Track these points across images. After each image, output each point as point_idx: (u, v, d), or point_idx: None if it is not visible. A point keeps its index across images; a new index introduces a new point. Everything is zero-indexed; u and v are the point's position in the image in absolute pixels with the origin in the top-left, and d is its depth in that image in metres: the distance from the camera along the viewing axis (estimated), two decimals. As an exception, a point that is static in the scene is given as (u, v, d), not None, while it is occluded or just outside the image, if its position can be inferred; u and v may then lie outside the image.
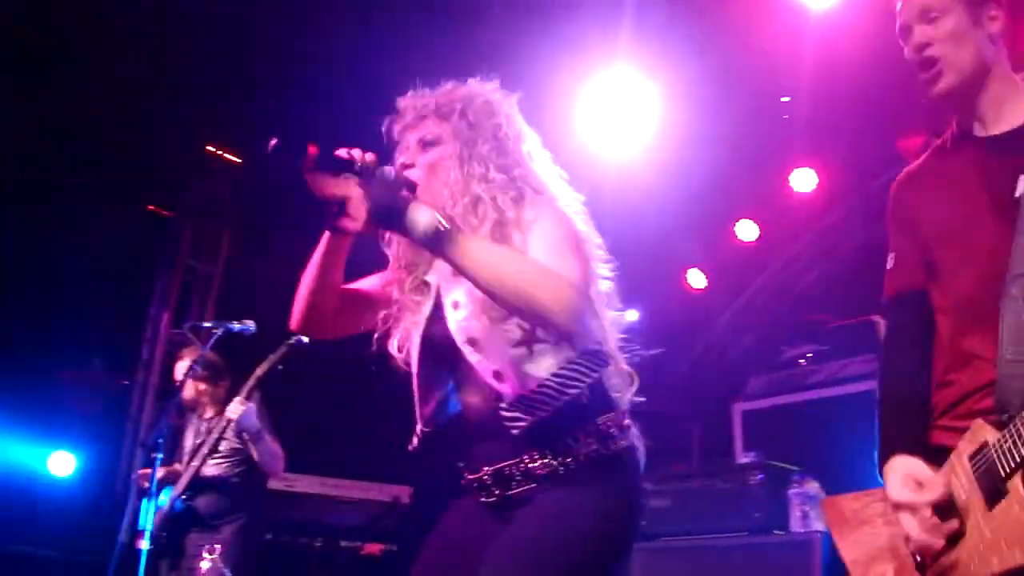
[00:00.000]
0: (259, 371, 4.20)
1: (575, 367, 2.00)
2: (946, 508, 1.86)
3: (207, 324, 3.89)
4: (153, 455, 3.53)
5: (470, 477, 2.09)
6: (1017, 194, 1.87)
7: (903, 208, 2.12)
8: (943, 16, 1.97)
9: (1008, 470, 1.74)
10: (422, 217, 1.88)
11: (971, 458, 1.83)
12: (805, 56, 5.51)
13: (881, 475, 1.98)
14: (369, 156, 2.01)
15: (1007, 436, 1.75)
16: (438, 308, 2.12)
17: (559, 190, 2.20)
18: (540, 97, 2.40)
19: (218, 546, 4.01)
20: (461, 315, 2.03)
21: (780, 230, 6.71)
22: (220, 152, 7.06)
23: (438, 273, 2.15)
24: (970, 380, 1.89)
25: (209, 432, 4.32)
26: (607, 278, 2.17)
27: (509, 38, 5.36)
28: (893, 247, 2.13)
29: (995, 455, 1.77)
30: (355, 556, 6.24)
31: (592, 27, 5.46)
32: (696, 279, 7.13)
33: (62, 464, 6.06)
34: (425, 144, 2.16)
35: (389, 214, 1.92)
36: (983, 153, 1.98)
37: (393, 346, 2.18)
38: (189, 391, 4.45)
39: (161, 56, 5.82)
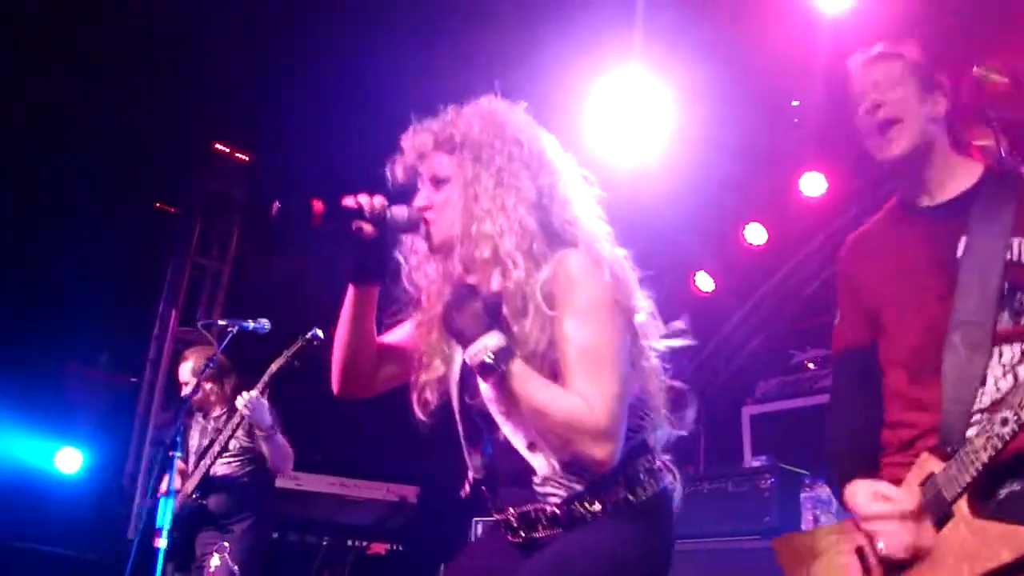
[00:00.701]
0: (274, 366, 4.18)
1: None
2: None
3: (222, 322, 3.85)
4: (171, 453, 3.51)
5: (497, 516, 2.06)
6: (958, 255, 2.08)
7: (850, 272, 2.33)
8: (897, 86, 2.17)
9: (954, 495, 1.93)
10: (479, 349, 1.88)
11: (921, 485, 2.02)
12: (817, 59, 5.49)
13: (841, 502, 2.18)
14: (378, 201, 1.99)
15: (951, 466, 1.95)
16: (464, 370, 2.05)
17: (582, 214, 2.07)
18: (551, 97, 2.36)
19: (227, 544, 4.01)
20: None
21: (789, 234, 6.70)
22: (229, 149, 7.08)
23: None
24: (922, 422, 2.06)
25: (218, 431, 4.31)
26: (646, 307, 2.06)
27: (520, 38, 5.37)
28: (840, 305, 2.35)
29: (941, 483, 1.96)
30: (361, 555, 6.25)
31: (604, 28, 5.45)
32: (704, 282, 7.12)
33: (69, 461, 6.06)
34: (437, 182, 2.07)
35: (460, 336, 1.93)
36: (926, 220, 2.18)
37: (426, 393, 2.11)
38: (203, 392, 4.43)
39: (170, 53, 5.84)
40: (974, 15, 4.76)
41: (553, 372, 1.89)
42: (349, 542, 6.26)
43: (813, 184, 6.35)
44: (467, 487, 2.14)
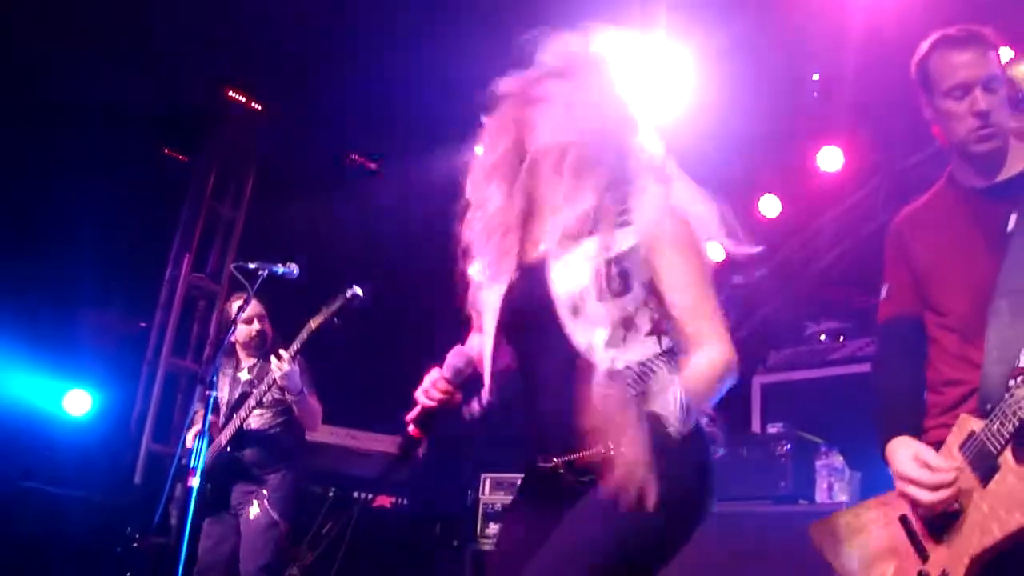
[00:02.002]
0: (312, 324, 4.17)
1: (658, 363, 2.00)
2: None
3: (252, 265, 3.83)
4: (208, 392, 3.52)
5: (544, 466, 2.07)
6: (1008, 229, 2.21)
7: (902, 244, 2.43)
8: (1000, 88, 2.25)
9: (998, 448, 2.02)
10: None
11: (960, 447, 2.11)
12: (842, 33, 5.51)
13: (883, 457, 2.25)
14: (437, 392, 2.18)
15: (992, 421, 2.04)
16: (528, 272, 2.11)
17: (656, 155, 2.18)
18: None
19: (265, 491, 4.04)
20: (569, 281, 2.03)
21: (803, 207, 6.74)
22: (243, 98, 7.03)
23: (538, 238, 2.15)
24: (972, 379, 2.16)
25: (251, 383, 4.31)
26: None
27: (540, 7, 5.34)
28: (888, 278, 2.46)
29: (984, 438, 2.05)
30: (366, 507, 6.28)
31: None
32: (715, 251, 7.14)
33: (78, 403, 6.06)
34: (537, 100, 2.17)
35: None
36: (980, 199, 2.31)
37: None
38: (242, 334, 4.43)
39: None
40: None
41: (621, 272, 2.01)
42: (355, 494, 6.30)
43: (830, 159, 6.39)
44: (477, 409, 2.18)
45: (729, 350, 2.01)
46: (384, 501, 6.43)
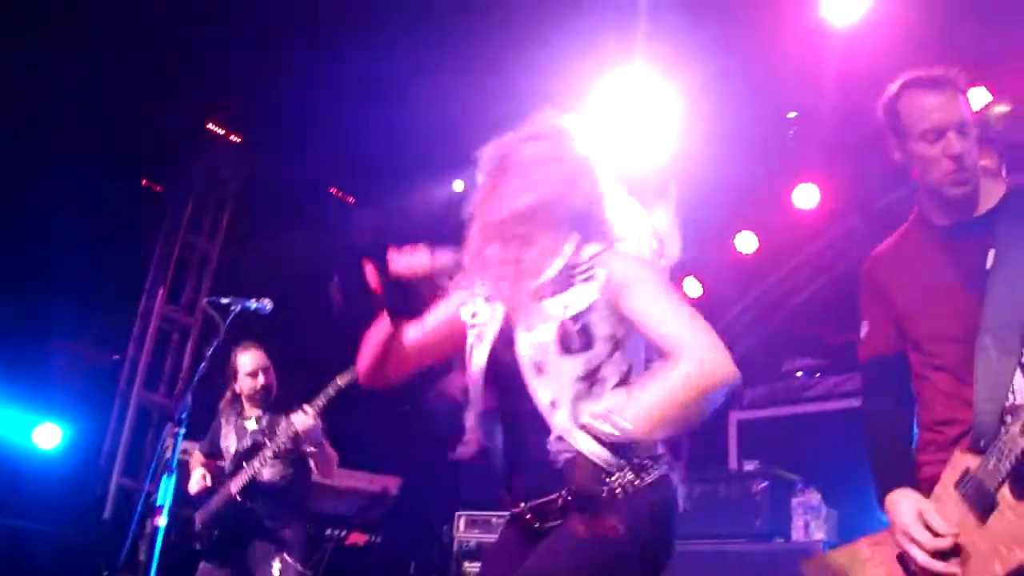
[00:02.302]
0: (340, 381, 4.13)
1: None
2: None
3: (224, 300, 3.79)
4: (176, 430, 3.46)
5: (513, 510, 2.14)
6: (987, 266, 2.21)
7: (877, 285, 2.42)
8: (971, 131, 2.26)
9: (996, 485, 2.02)
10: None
11: (956, 484, 2.11)
12: (819, 72, 5.57)
13: (881, 507, 2.24)
14: (426, 260, 2.19)
15: (988, 458, 2.05)
16: (506, 327, 2.15)
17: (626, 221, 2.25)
18: (555, 95, 2.46)
19: (285, 551, 4.00)
20: (532, 339, 2.07)
21: (779, 244, 6.78)
22: (222, 130, 7.04)
23: (514, 295, 2.17)
24: (968, 418, 2.14)
25: (262, 434, 4.27)
26: None
27: (525, 34, 5.39)
28: (866, 317, 2.44)
29: (981, 476, 2.05)
30: (340, 544, 6.21)
31: (609, 26, 5.48)
32: (692, 288, 7.18)
33: (48, 436, 5.97)
34: (518, 164, 2.21)
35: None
36: (955, 235, 2.31)
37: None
38: (249, 385, 4.38)
39: (166, 30, 5.79)
40: (982, 33, 4.84)
41: (582, 329, 2.04)
42: (328, 531, 6.22)
43: (806, 196, 6.44)
44: (462, 452, 2.21)
45: (727, 360, 2.01)
46: (358, 539, 6.35)
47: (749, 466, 4.73)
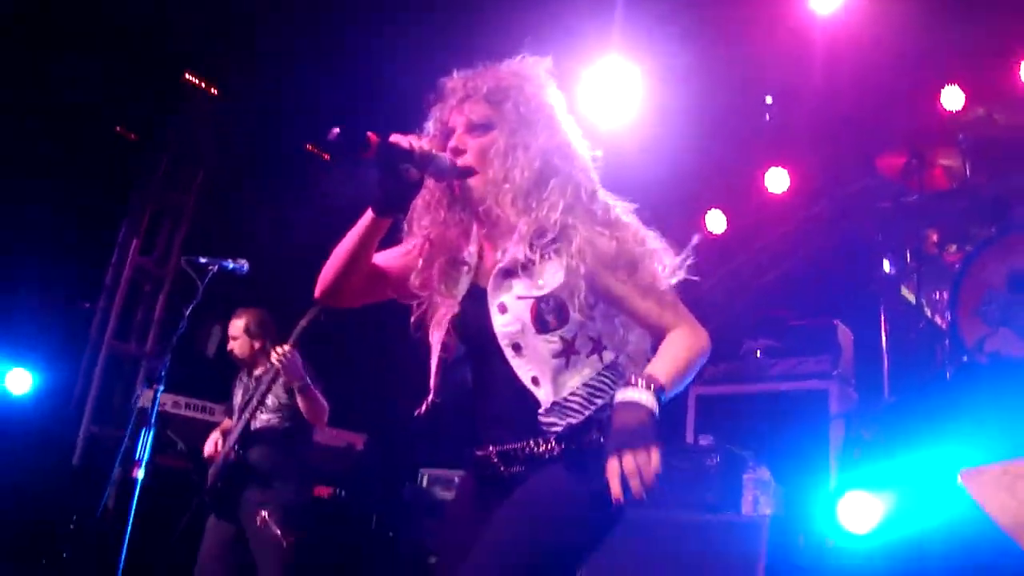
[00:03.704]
0: (303, 321, 4.19)
1: (604, 377, 2.12)
2: None
3: (203, 260, 3.84)
4: (156, 386, 3.53)
5: (478, 454, 2.19)
6: None
7: None
8: None
9: None
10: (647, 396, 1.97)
11: None
12: (796, 59, 5.68)
13: None
14: (427, 145, 2.11)
15: None
16: (474, 299, 2.19)
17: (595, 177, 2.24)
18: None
19: (270, 507, 4.08)
20: (507, 320, 2.11)
21: (748, 226, 6.93)
22: (199, 82, 7.01)
23: (481, 265, 2.22)
24: None
25: (258, 386, 4.36)
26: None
27: (499, 24, 5.40)
28: None
29: None
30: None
31: (589, 7, 5.53)
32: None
33: (19, 382, 6.00)
34: (473, 127, 2.18)
35: (641, 428, 1.93)
36: None
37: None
38: (243, 348, 4.45)
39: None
40: (962, 29, 4.95)
41: (557, 306, 2.08)
42: (293, 483, 6.33)
43: (777, 180, 6.58)
44: (423, 407, 2.25)
45: (703, 332, 2.12)
46: (323, 491, 6.47)
47: (704, 441, 4.87)
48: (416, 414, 2.27)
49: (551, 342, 2.09)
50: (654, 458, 1.90)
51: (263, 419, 4.27)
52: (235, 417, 4.36)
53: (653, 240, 2.17)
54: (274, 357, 4.10)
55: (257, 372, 4.51)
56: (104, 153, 6.68)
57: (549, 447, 2.07)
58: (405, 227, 2.28)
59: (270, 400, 4.22)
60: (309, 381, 4.25)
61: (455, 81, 2.23)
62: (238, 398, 4.42)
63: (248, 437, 4.26)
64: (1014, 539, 2.37)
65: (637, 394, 1.94)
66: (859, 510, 3.93)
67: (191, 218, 7.02)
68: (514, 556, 2.00)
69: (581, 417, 2.07)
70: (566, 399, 2.08)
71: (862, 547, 3.86)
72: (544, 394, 2.08)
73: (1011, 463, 2.43)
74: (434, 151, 2.13)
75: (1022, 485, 2.37)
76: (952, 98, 5.31)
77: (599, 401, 2.09)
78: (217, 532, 4.27)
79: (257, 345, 4.48)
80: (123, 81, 6.41)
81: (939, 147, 4.89)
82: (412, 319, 2.28)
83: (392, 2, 5.85)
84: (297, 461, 4.41)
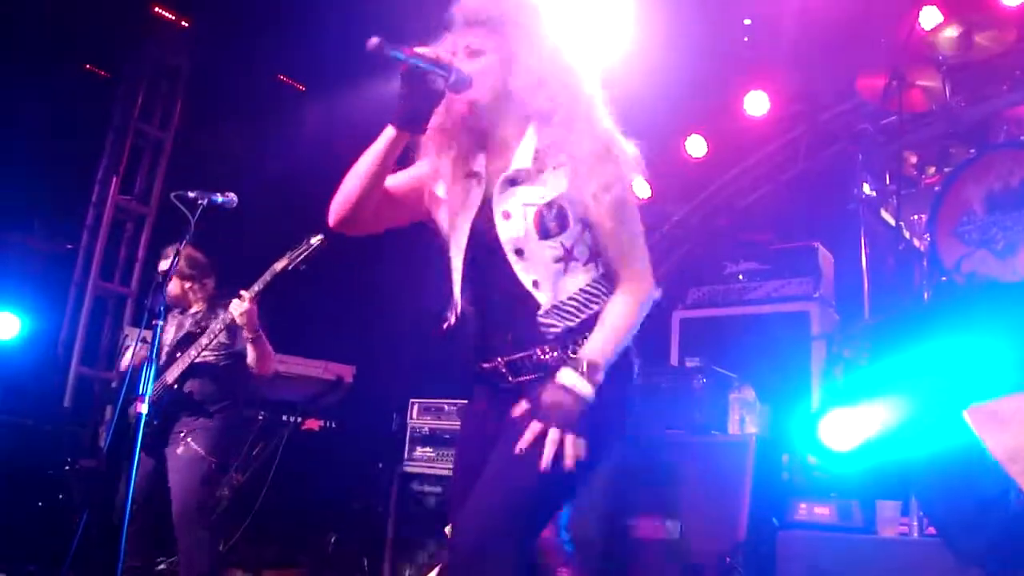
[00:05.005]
0: (277, 267, 4.15)
1: (598, 286, 2.24)
2: None
3: (191, 194, 3.80)
4: (155, 322, 3.53)
5: (485, 366, 2.29)
6: None
7: None
8: None
9: None
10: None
11: None
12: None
13: None
14: (448, 57, 2.20)
15: None
16: (485, 208, 2.27)
17: (596, 101, 2.31)
18: None
19: (190, 440, 4.13)
20: (511, 226, 2.22)
21: (728, 149, 6.95)
22: (171, 16, 6.87)
23: (489, 177, 2.29)
24: None
25: (197, 324, 4.34)
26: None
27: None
28: None
29: None
30: (295, 430, 6.42)
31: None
32: (641, 188, 7.34)
33: (7, 326, 5.98)
34: (472, 52, 2.27)
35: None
36: None
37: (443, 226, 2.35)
38: (175, 288, 4.42)
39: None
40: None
41: (558, 213, 2.19)
42: (284, 417, 6.42)
43: (756, 103, 6.59)
44: (449, 322, 2.35)
45: (649, 285, 2.25)
46: (313, 424, 6.56)
47: (690, 363, 4.98)
48: (444, 327, 2.37)
49: (552, 248, 2.20)
50: (577, 446, 2.07)
51: (202, 357, 4.29)
52: (165, 352, 4.35)
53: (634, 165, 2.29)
54: (235, 309, 4.12)
55: (194, 310, 4.49)
56: (77, 92, 6.58)
57: (555, 355, 2.19)
58: (420, 144, 2.36)
59: (208, 339, 4.25)
60: (262, 332, 4.27)
61: (459, 7, 2.31)
62: (169, 335, 4.40)
63: (190, 372, 4.29)
64: (1005, 469, 2.49)
65: (575, 379, 2.09)
66: (841, 429, 4.06)
67: (170, 154, 6.94)
68: (524, 469, 2.10)
69: (577, 320, 2.21)
70: (563, 302, 2.21)
71: (845, 465, 4.01)
72: (544, 297, 2.20)
73: (1010, 398, 2.53)
74: (453, 63, 2.21)
75: (1019, 419, 2.47)
76: (931, 19, 5.32)
77: (594, 307, 2.22)
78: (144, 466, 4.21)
79: (188, 285, 4.47)
80: (92, 17, 6.27)
81: (918, 68, 4.91)
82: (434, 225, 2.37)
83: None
84: (232, 392, 4.41)
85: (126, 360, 4.51)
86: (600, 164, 2.20)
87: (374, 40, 2.07)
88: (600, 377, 2.10)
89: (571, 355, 2.17)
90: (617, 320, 2.19)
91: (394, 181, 2.39)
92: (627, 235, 2.23)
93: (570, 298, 2.21)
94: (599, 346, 2.15)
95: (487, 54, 2.28)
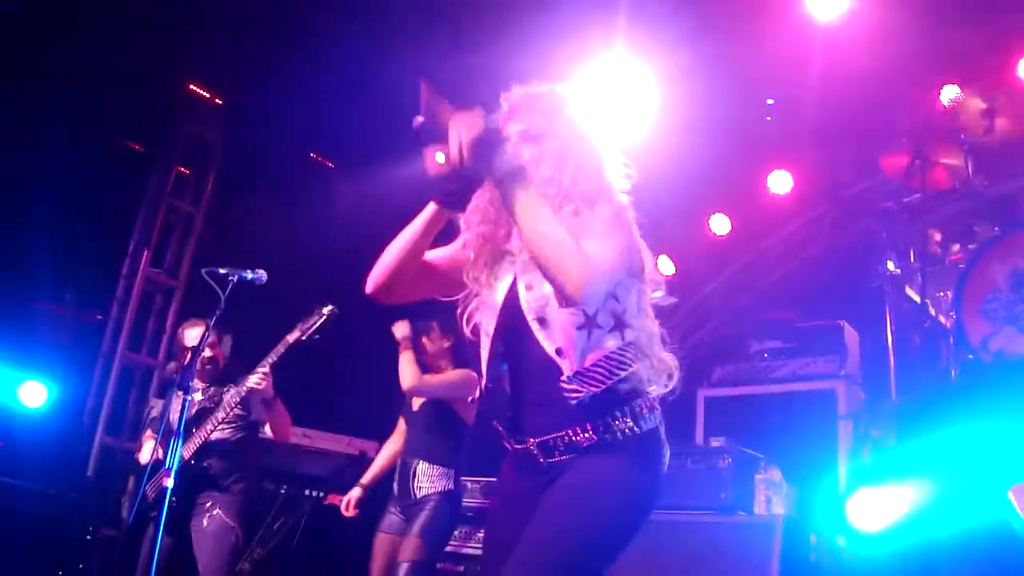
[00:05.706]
0: (289, 339, 4.22)
1: (623, 354, 2.24)
2: None
3: (223, 271, 3.86)
4: (184, 396, 3.56)
5: (517, 447, 2.31)
6: None
7: None
8: None
9: None
10: (510, 155, 2.12)
11: None
12: (799, 62, 5.74)
13: None
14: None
15: None
16: (514, 283, 2.32)
17: (622, 191, 2.37)
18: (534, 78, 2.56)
19: (218, 510, 4.13)
20: (533, 295, 2.26)
21: (752, 228, 6.99)
22: (205, 92, 7.07)
23: (519, 253, 2.34)
24: None
25: (210, 401, 4.38)
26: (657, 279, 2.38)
27: (507, 20, 5.48)
28: None
29: None
30: (317, 505, 6.38)
31: (592, 9, 5.58)
32: (665, 266, 7.38)
33: (34, 394, 6.03)
34: (528, 138, 2.34)
35: (488, 145, 2.08)
36: None
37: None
38: (220, 362, 4.51)
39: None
40: (962, 29, 5.01)
41: None
42: (307, 491, 6.40)
43: (780, 182, 6.64)
44: (479, 393, 2.38)
45: (593, 280, 2.07)
46: (335, 500, 6.51)
47: (715, 442, 4.93)
48: (470, 400, 2.39)
49: (574, 315, 2.20)
50: (476, 123, 2.05)
51: (220, 433, 4.33)
52: (175, 430, 4.35)
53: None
54: (252, 381, 4.15)
55: (201, 387, 4.50)
56: (112, 165, 6.74)
57: (588, 435, 2.20)
58: (461, 223, 2.42)
59: (224, 413, 4.27)
60: (277, 399, 4.31)
61: (516, 96, 2.41)
62: (175, 414, 4.39)
63: (207, 449, 4.32)
64: None
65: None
66: (869, 509, 3.99)
67: (201, 229, 7.07)
68: (555, 546, 2.12)
69: (602, 387, 2.20)
70: (588, 369, 2.21)
71: (874, 546, 3.92)
72: (567, 364, 2.21)
73: None
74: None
75: None
76: (952, 97, 5.37)
77: (621, 373, 2.22)
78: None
79: (213, 357, 4.52)
80: (128, 94, 6.47)
81: (941, 146, 4.95)
82: (459, 311, 2.41)
83: (395, 6, 5.90)
84: (246, 465, 4.45)
85: (146, 454, 4.51)
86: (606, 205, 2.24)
87: (417, 119, 2.12)
88: (506, 166, 2.08)
89: (604, 435, 2.17)
90: (559, 230, 2.07)
91: (436, 255, 2.45)
92: (603, 227, 2.20)
93: (595, 365, 2.21)
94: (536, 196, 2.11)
95: (540, 142, 2.33)
